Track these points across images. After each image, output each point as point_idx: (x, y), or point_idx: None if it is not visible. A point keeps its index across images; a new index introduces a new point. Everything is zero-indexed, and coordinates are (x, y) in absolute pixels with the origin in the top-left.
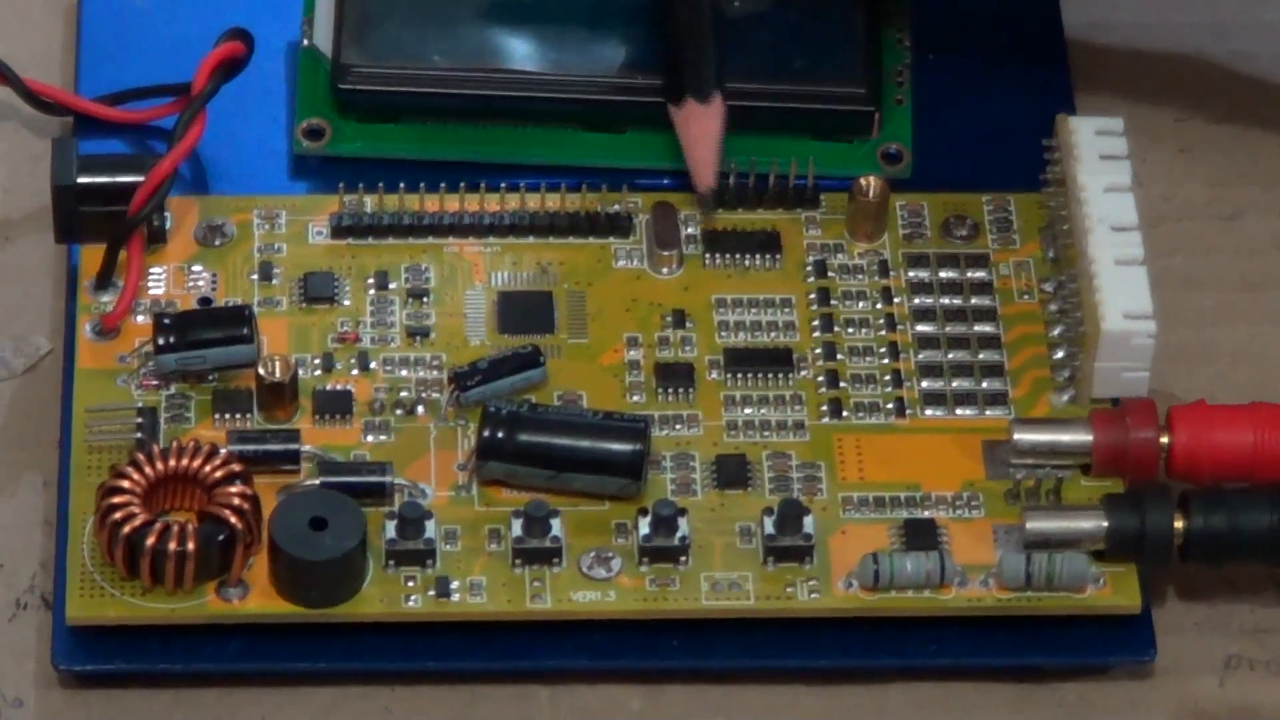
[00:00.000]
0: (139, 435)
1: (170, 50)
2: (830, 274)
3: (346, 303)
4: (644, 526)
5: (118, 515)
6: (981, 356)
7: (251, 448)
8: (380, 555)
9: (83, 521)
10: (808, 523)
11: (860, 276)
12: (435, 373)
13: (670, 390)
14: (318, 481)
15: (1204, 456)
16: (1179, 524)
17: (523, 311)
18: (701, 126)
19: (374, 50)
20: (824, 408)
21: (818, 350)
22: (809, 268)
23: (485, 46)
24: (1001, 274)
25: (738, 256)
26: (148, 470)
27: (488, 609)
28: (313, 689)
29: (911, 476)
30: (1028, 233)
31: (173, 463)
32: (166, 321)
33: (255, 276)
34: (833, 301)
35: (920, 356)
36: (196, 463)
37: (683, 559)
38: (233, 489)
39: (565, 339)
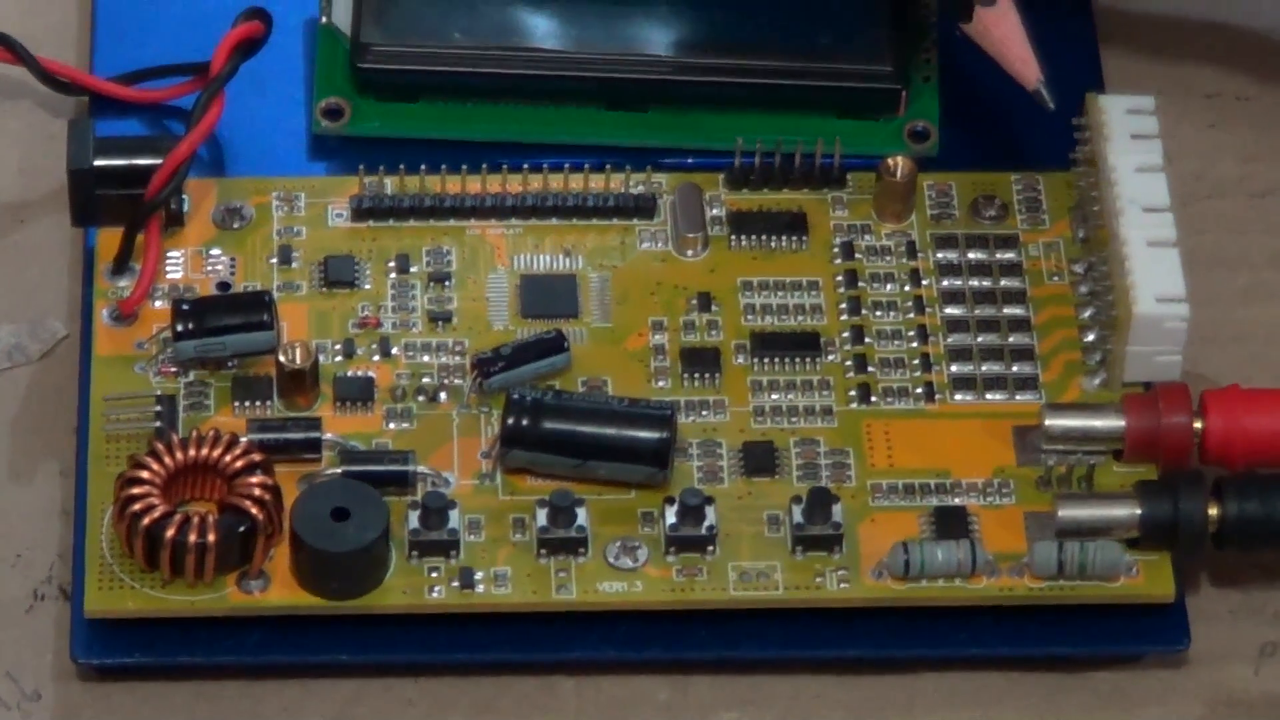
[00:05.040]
0: (158, 424)
1: (186, 28)
2: (857, 255)
3: (367, 287)
4: (671, 515)
5: (137, 507)
6: (1011, 340)
7: (272, 436)
8: (403, 546)
9: (101, 512)
10: (836, 511)
11: (888, 258)
12: (458, 358)
13: (696, 376)
14: (339, 471)
15: (1238, 442)
16: (1213, 511)
17: (546, 295)
18: (1001, 28)
19: (394, 28)
20: (852, 393)
21: (845, 334)
22: (836, 249)
23: (506, 24)
24: (1031, 255)
25: (763, 238)
26: (167, 460)
27: (512, 600)
28: (335, 681)
29: (941, 463)
30: (1057, 213)
31: (192, 452)
32: (185, 307)
33: (275, 260)
34: (860, 284)
35: (949, 340)
36: (216, 452)
37: (710, 548)
38: (253, 479)
39: (589, 323)
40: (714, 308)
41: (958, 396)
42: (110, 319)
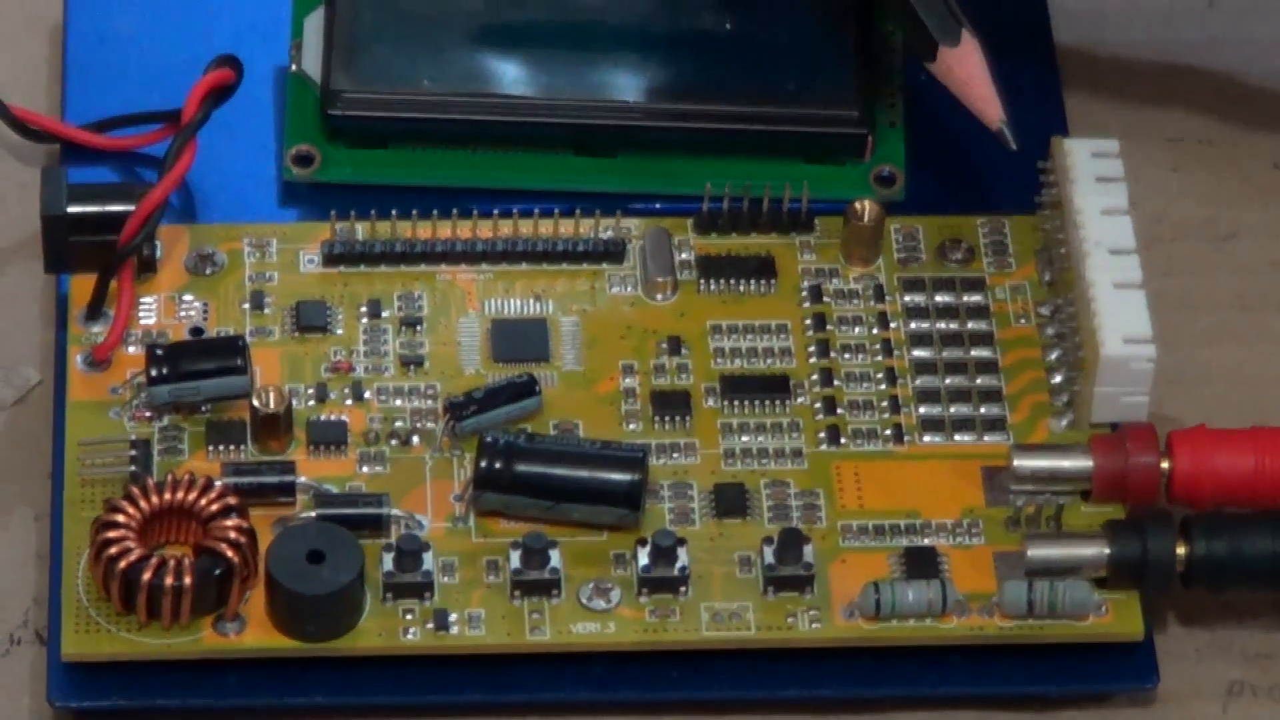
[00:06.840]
0: (132, 468)
1: (157, 75)
2: (825, 299)
3: (339, 332)
4: (643, 557)
5: (113, 550)
6: (979, 381)
7: (247, 480)
8: (378, 588)
9: (77, 556)
10: (807, 551)
11: (856, 301)
12: (430, 402)
13: (667, 418)
14: (314, 514)
15: (1205, 482)
16: (1181, 550)
17: (517, 339)
18: (965, 67)
19: (363, 75)
20: (822, 435)
21: (814, 376)
22: (804, 293)
23: (475, 71)
24: (998, 298)
25: (732, 282)
26: (142, 504)
27: (487, 642)
28: None
29: (911, 504)
30: (1024, 255)
31: (167, 496)
32: (159, 353)
33: (247, 306)
34: (828, 327)
35: (918, 382)
36: (191, 496)
37: (683, 589)
38: (229, 522)
39: (560, 367)
40: (684, 351)
41: (926, 438)
42: (84, 365)
